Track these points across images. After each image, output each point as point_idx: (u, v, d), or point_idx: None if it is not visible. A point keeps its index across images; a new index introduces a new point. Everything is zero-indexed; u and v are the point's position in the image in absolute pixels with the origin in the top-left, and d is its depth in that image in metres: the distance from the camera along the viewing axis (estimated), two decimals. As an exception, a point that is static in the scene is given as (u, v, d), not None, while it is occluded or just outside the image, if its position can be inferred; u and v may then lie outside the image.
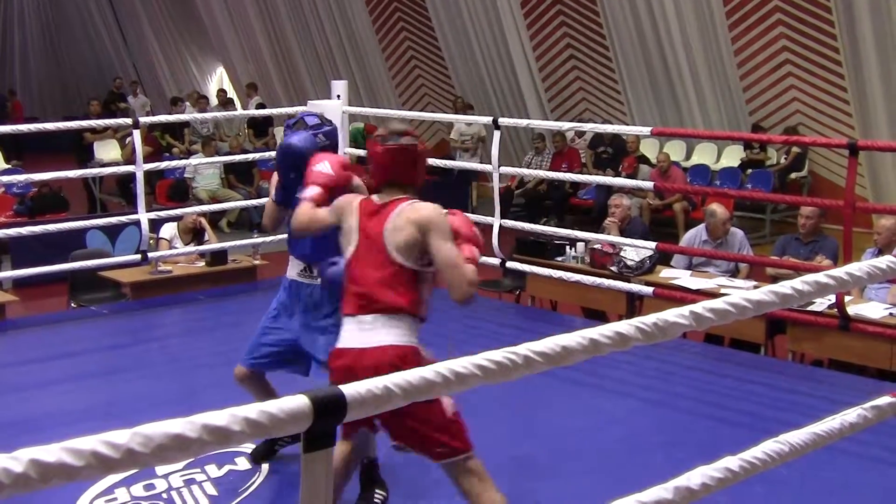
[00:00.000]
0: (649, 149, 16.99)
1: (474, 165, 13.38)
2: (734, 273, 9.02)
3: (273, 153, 16.19)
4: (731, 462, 3.15)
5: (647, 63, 17.46)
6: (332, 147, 5.38)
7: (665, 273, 8.98)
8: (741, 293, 2.98)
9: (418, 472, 5.41)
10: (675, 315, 2.78)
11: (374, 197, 4.55)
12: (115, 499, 5.30)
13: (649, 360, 7.43)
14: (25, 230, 10.00)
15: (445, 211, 4.50)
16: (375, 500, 5.24)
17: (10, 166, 20.64)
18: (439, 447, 4.25)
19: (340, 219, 4.57)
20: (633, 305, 8.83)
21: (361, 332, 4.33)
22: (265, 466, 5.66)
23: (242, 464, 5.69)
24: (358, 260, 4.43)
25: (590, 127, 11.44)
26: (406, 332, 4.33)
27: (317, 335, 5.38)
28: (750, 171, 16.16)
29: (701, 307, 2.84)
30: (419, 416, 4.12)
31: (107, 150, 19.86)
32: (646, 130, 8.95)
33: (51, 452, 1.78)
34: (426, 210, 4.38)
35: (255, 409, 2.02)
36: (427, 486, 5.42)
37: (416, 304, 4.37)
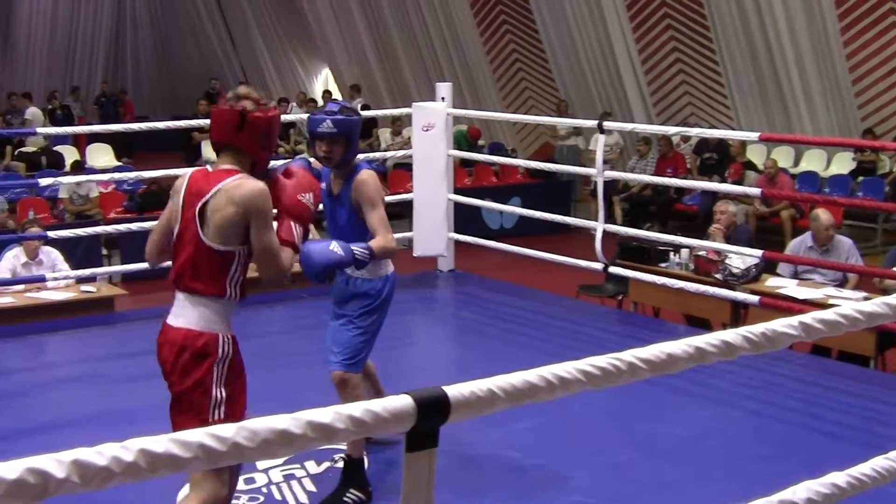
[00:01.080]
0: (756, 154, 16.80)
1: (577, 169, 13.31)
2: (841, 283, 8.88)
3: (376, 154, 16.35)
4: (839, 478, 3.08)
5: (754, 66, 17.23)
6: (341, 134, 5.34)
7: (771, 282, 8.87)
8: (852, 304, 2.93)
9: (471, 473, 5.42)
10: (783, 325, 2.74)
11: (208, 167, 4.44)
12: (216, 492, 5.36)
13: (753, 369, 7.32)
14: (135, 226, 10.16)
15: (282, 167, 4.52)
16: (346, 500, 5.32)
17: (120, 164, 21.00)
18: None
19: (173, 199, 4.42)
20: (738, 314, 8.73)
21: (174, 308, 4.38)
22: (366, 465, 5.69)
23: (342, 461, 5.72)
24: (179, 234, 4.36)
25: (696, 131, 11.30)
26: (208, 317, 4.28)
27: (331, 326, 5.61)
28: (861, 178, 15.87)
29: (811, 318, 2.80)
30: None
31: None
32: (753, 136, 8.83)
33: (160, 443, 1.82)
34: (247, 190, 4.21)
35: (359, 408, 2.04)
36: (479, 485, 5.43)
37: (224, 287, 4.29)
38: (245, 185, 4.22)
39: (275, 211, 4.36)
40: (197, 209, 4.23)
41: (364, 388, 5.61)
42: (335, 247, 5.04)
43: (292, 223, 4.44)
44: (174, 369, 4.29)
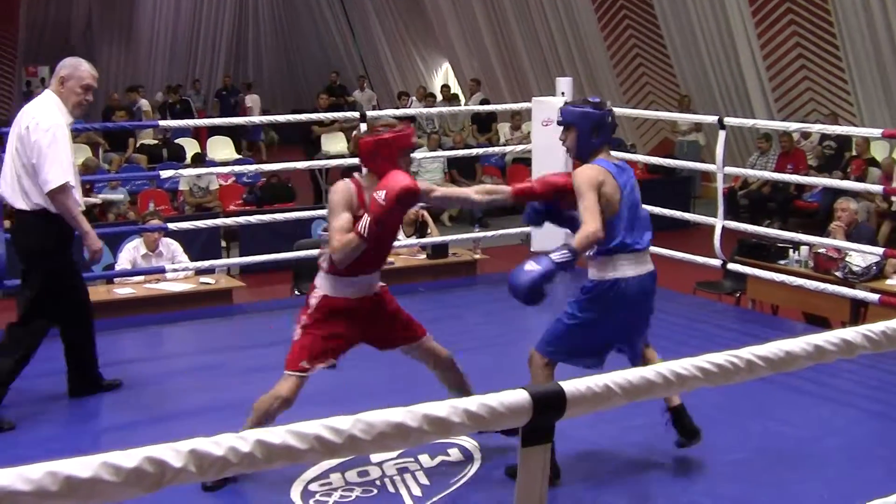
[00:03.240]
0: (879, 151, 16.52)
1: (697, 165, 13.20)
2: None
3: (495, 149, 16.35)
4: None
5: (878, 61, 16.92)
6: (574, 125, 5.50)
7: (892, 280, 8.73)
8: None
9: (586, 470, 5.39)
10: (905, 324, 2.71)
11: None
12: (329, 482, 5.41)
13: (873, 369, 7.21)
14: (254, 219, 10.34)
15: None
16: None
17: (241, 156, 21.28)
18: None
19: None
20: (857, 313, 8.61)
21: None
22: (478, 458, 5.71)
23: (455, 455, 5.75)
24: None
25: (818, 128, 11.17)
26: (321, 285, 5.51)
27: None
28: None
29: (933, 316, 2.76)
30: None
31: (334, 143, 20.29)
32: (876, 132, 8.70)
33: (277, 434, 1.84)
34: (332, 190, 5.36)
35: (475, 402, 2.05)
36: (594, 482, 5.41)
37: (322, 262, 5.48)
38: (335, 187, 5.36)
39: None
40: None
41: (545, 375, 5.56)
42: (530, 265, 5.12)
43: (364, 215, 5.16)
44: None
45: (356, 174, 5.48)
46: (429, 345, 5.75)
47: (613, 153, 5.69)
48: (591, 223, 5.20)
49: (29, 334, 6.52)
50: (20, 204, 6.43)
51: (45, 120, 6.28)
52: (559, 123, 5.56)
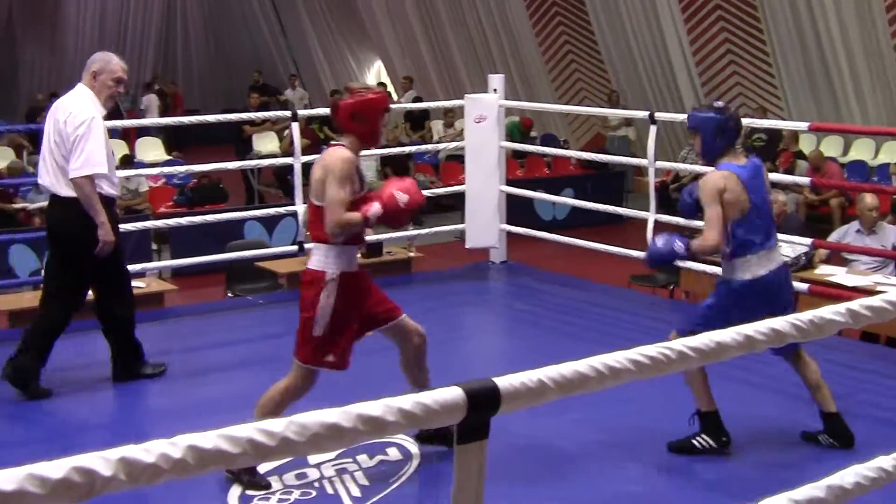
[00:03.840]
0: (806, 144, 16.72)
1: (630, 160, 13.28)
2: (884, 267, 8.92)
3: (428, 146, 16.32)
4: (885, 462, 3.09)
5: (804, 56, 17.16)
6: (699, 131, 5.82)
7: (820, 270, 8.84)
8: (901, 291, 2.93)
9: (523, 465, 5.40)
10: (831, 312, 2.76)
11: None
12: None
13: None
14: (185, 220, 10.23)
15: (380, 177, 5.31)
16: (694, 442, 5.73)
17: (170, 157, 21.10)
18: (296, 347, 5.37)
19: None
20: (789, 302, 8.71)
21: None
22: (417, 456, 5.70)
23: (394, 454, 5.74)
24: None
25: (746, 121, 11.25)
26: (320, 259, 5.30)
27: None
28: (909, 167, 15.83)
29: (858, 304, 2.81)
30: (301, 321, 5.33)
31: (265, 143, 20.18)
32: (803, 125, 8.80)
33: (208, 439, 1.82)
34: (330, 154, 5.29)
35: (409, 400, 2.04)
36: (531, 477, 5.43)
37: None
38: (331, 151, 5.30)
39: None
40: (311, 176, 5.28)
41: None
42: (676, 242, 5.79)
43: (377, 203, 5.18)
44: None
45: (339, 142, 5.37)
46: (407, 322, 5.65)
47: (550, 149, 5.78)
48: (711, 234, 5.60)
49: (48, 319, 7.00)
50: (64, 191, 6.75)
51: (81, 113, 6.65)
52: (688, 129, 6.00)
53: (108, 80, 6.83)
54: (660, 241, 5.88)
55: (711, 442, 5.72)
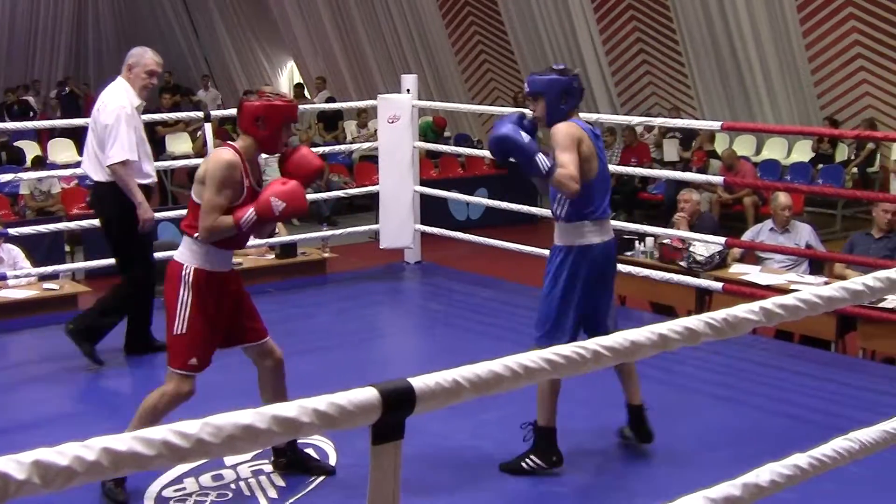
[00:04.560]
0: (719, 143, 16.90)
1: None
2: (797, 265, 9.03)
3: (342, 147, 16.28)
4: (801, 459, 3.13)
5: (717, 56, 17.36)
6: (542, 94, 5.49)
7: (734, 268, 8.93)
8: (812, 289, 2.97)
9: (441, 466, 5.41)
10: (744, 311, 2.78)
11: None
12: (184, 488, 5.35)
13: (717, 355, 7.38)
14: (97, 221, 10.10)
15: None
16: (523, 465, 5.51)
17: (82, 159, 20.82)
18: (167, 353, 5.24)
19: None
20: (703, 301, 8.79)
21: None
22: (333, 458, 5.69)
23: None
24: None
25: (660, 121, 11.36)
26: (183, 251, 5.16)
27: None
28: (821, 166, 16.08)
29: (771, 303, 2.84)
30: (167, 321, 5.15)
31: (178, 144, 20.03)
32: (716, 125, 8.87)
33: (123, 441, 1.81)
34: (215, 157, 5.12)
35: (324, 401, 2.04)
36: (449, 478, 5.44)
37: (193, 228, 5.11)
38: (216, 152, 5.16)
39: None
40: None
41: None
42: (522, 133, 5.22)
43: (252, 209, 5.02)
44: None
45: (234, 142, 5.27)
46: (271, 345, 5.44)
47: (464, 149, 5.71)
48: (574, 171, 5.21)
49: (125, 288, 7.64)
50: (98, 176, 7.38)
51: (112, 103, 7.23)
52: (528, 94, 5.56)
53: (141, 72, 7.34)
54: (517, 128, 5.24)
55: (541, 462, 5.48)
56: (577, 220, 5.45)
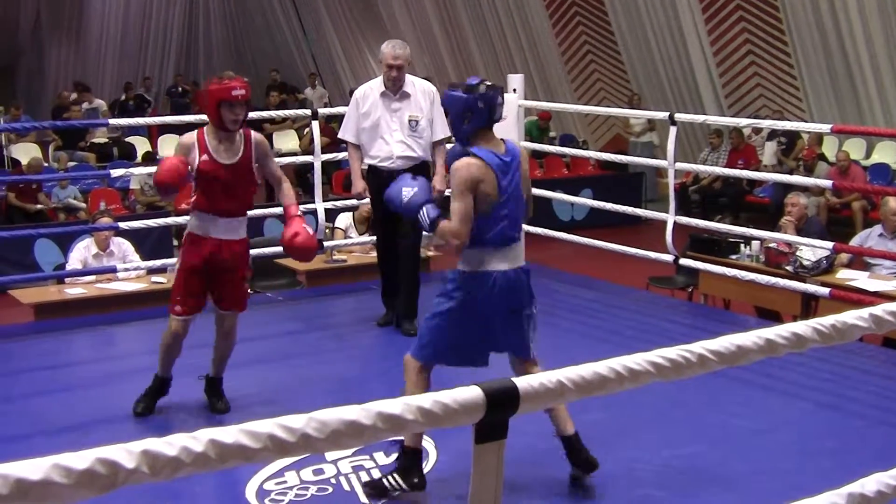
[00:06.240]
0: (828, 146, 16.66)
1: (649, 161, 13.25)
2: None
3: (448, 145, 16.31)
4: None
5: (827, 58, 17.09)
6: (447, 109, 5.25)
7: (842, 274, 8.80)
8: (923, 296, 2.93)
9: (540, 465, 5.41)
10: (853, 317, 2.73)
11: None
12: (285, 481, 5.40)
13: (824, 362, 7.28)
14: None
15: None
16: (384, 482, 5.32)
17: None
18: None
19: None
20: (808, 306, 8.67)
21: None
22: (434, 454, 5.70)
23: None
24: None
25: (768, 123, 11.26)
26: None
27: None
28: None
29: (881, 310, 2.78)
30: None
31: (285, 141, 20.21)
32: (825, 128, 8.75)
33: (230, 434, 1.83)
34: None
35: (429, 399, 2.05)
36: (548, 477, 5.42)
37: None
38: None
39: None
40: None
41: (420, 381, 5.26)
42: (414, 189, 5.22)
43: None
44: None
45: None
46: (223, 316, 6.50)
47: (569, 149, 5.60)
48: (458, 225, 5.00)
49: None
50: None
51: (358, 91, 8.30)
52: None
53: (383, 66, 8.11)
54: (405, 186, 5.20)
55: (402, 483, 5.23)
56: (477, 246, 5.12)
